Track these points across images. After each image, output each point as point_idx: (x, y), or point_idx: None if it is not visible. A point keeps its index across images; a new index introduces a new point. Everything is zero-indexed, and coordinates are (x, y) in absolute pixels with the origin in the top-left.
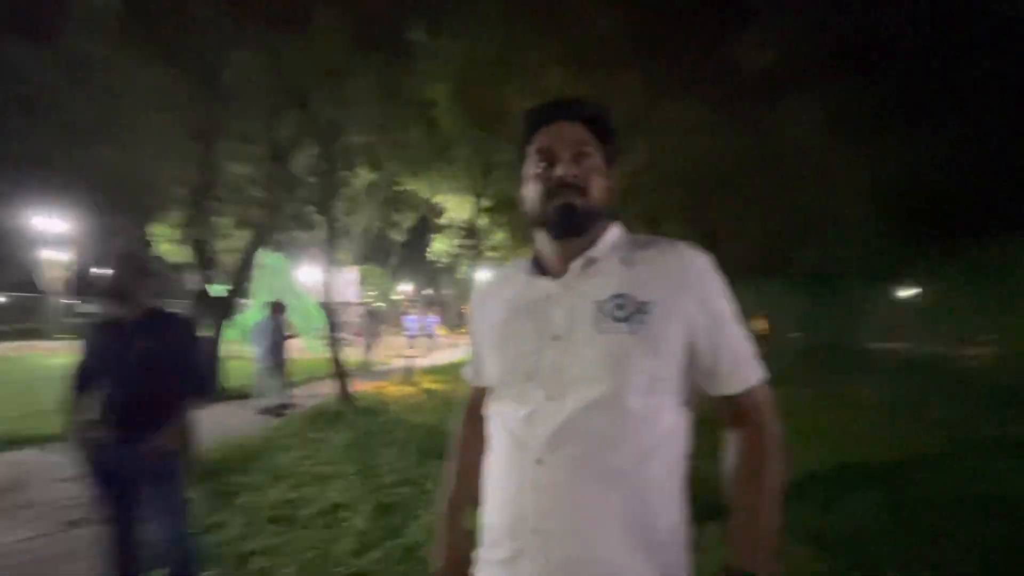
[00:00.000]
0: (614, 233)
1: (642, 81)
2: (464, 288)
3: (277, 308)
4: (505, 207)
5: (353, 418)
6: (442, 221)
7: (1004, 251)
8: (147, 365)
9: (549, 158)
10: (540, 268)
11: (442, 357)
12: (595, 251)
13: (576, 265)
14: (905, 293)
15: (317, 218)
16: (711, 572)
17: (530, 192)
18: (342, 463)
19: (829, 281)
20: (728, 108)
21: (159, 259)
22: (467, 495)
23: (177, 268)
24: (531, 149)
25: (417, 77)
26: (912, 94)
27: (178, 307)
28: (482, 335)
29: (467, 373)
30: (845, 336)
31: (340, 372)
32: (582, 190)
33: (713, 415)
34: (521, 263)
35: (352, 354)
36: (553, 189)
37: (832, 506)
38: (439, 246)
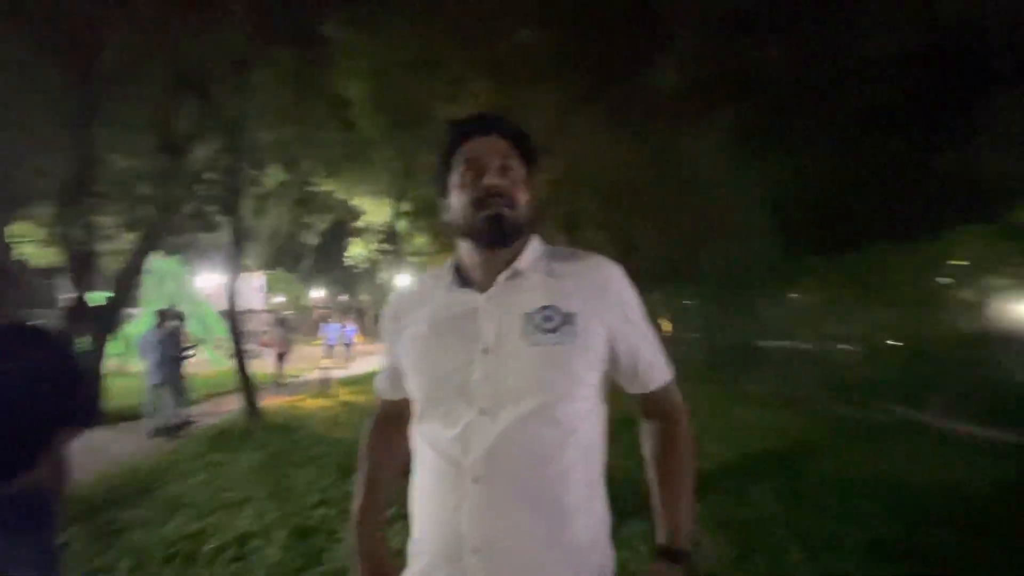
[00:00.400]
0: (535, 246)
1: (561, 94)
2: (383, 294)
3: (168, 316)
4: (426, 211)
5: (263, 436)
6: (360, 224)
7: (873, 259)
8: (5, 390)
9: (477, 168)
10: (462, 279)
11: (361, 367)
12: (521, 263)
13: (502, 277)
14: (794, 296)
15: (220, 219)
16: (635, 567)
17: (457, 201)
18: (251, 487)
19: (729, 286)
20: (640, 125)
21: (21, 263)
22: (379, 508)
23: (46, 273)
24: (457, 159)
25: (333, 74)
26: (793, 120)
27: (46, 319)
28: (401, 349)
29: (380, 385)
30: (743, 336)
31: (247, 386)
32: (510, 201)
33: (627, 415)
34: (439, 274)
35: (260, 366)
36: (481, 199)
37: (739, 495)
38: (357, 250)
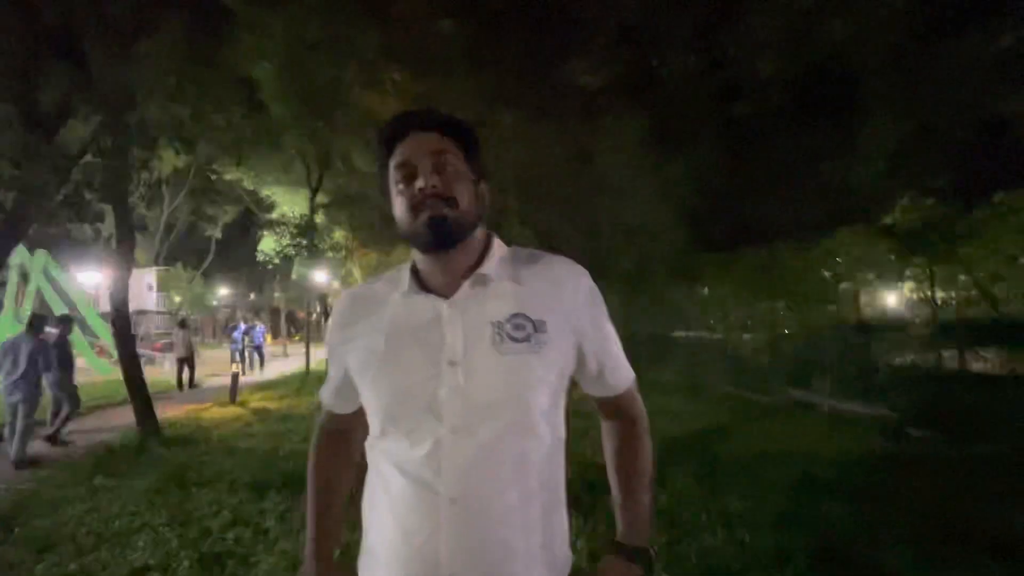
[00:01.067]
0: (497, 247)
1: (480, 88)
2: (297, 291)
3: (37, 322)
4: (344, 203)
5: (161, 453)
6: (272, 217)
7: (767, 255)
8: None
9: (409, 171)
10: (421, 284)
11: (272, 370)
12: (486, 268)
13: (467, 284)
14: (704, 290)
15: (102, 207)
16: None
17: (396, 209)
18: (148, 512)
19: (642, 280)
20: (559, 123)
21: None
22: (335, 536)
23: None
24: (392, 161)
25: (238, 51)
26: (695, 125)
27: None
28: (353, 360)
29: (326, 398)
30: (656, 328)
31: (140, 396)
32: (449, 199)
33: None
34: (394, 277)
35: (157, 373)
36: (418, 203)
37: (660, 481)
38: (268, 245)
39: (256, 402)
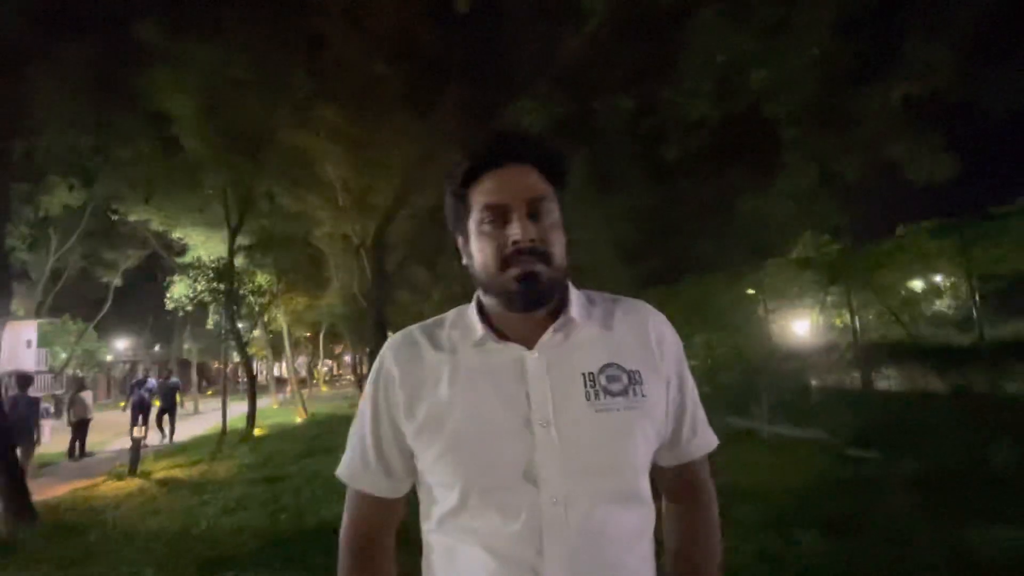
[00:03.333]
0: (575, 291)
1: (419, 129)
2: (210, 341)
3: None
4: (269, 244)
5: (37, 547)
6: (184, 260)
7: (697, 287)
8: None
9: (501, 215)
10: (495, 332)
11: (182, 431)
12: (572, 311)
13: (551, 329)
14: None
15: None
16: None
17: (480, 256)
18: None
19: None
20: None
21: None
22: None
23: None
24: (476, 197)
25: (153, 83)
26: (627, 166)
27: None
28: (417, 422)
29: (362, 477)
30: None
31: (9, 475)
32: (545, 255)
33: None
34: (457, 322)
35: (39, 445)
36: (509, 256)
37: None
38: (181, 290)
39: (162, 471)
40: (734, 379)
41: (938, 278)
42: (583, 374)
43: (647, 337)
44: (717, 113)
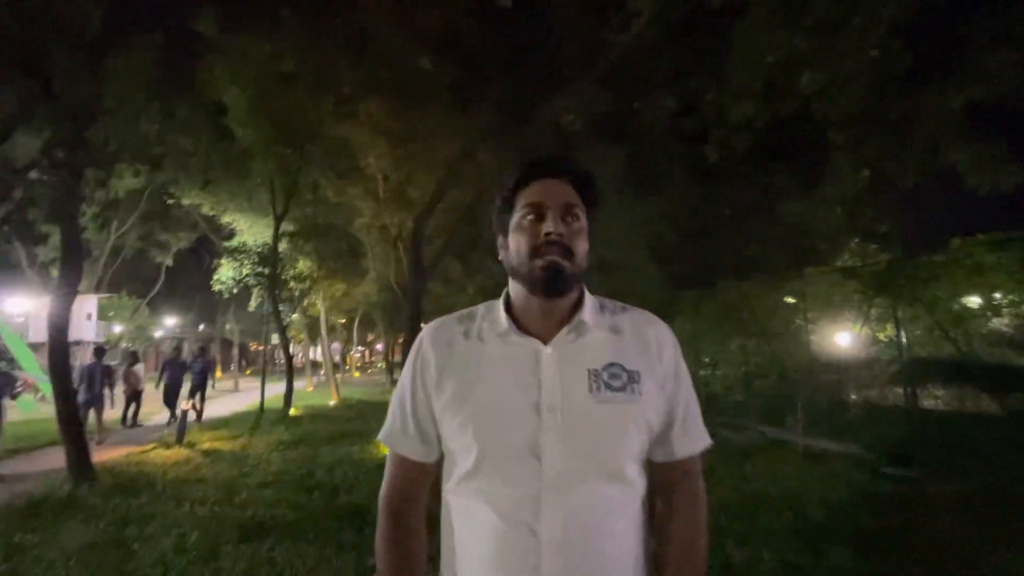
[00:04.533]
0: (589, 296)
1: (461, 124)
2: (252, 323)
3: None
4: (311, 232)
5: (96, 503)
6: (232, 244)
7: (735, 293)
8: None
9: (538, 212)
10: (519, 326)
11: (224, 407)
12: (585, 315)
13: (566, 329)
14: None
15: (45, 228)
16: None
17: (515, 245)
18: (80, 574)
19: None
20: None
21: None
22: None
23: None
24: (520, 200)
25: (208, 75)
26: (668, 166)
27: None
28: (445, 398)
29: (400, 443)
30: None
31: (74, 437)
32: (569, 251)
33: None
34: (485, 315)
35: (97, 411)
36: (539, 246)
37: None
38: (227, 273)
39: (206, 443)
40: (769, 388)
41: (997, 295)
42: (589, 370)
43: (648, 344)
44: (764, 114)
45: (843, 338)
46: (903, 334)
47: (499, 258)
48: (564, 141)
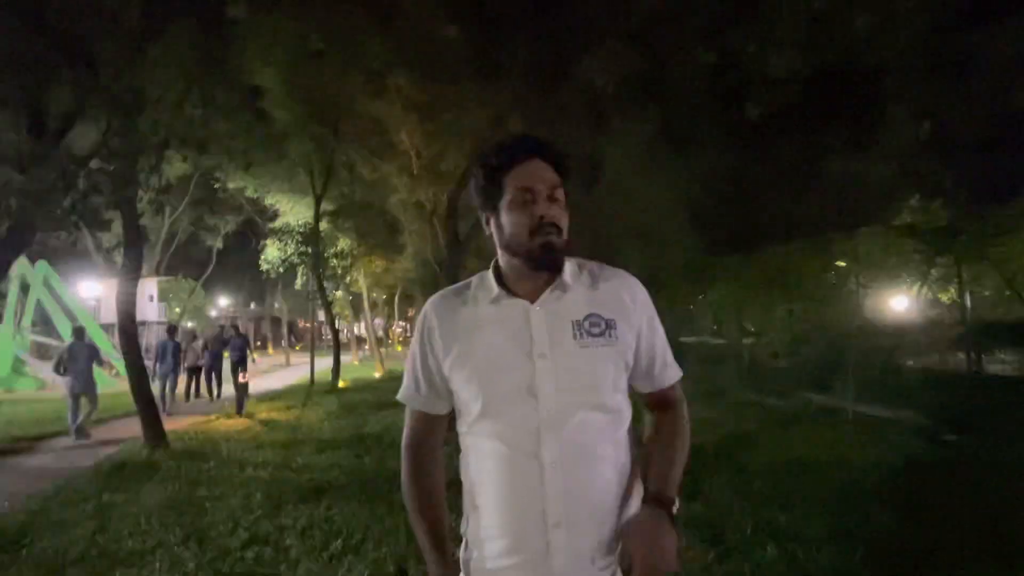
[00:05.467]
0: (569, 261)
1: (489, 94)
2: (299, 301)
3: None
4: (350, 210)
5: (170, 467)
6: (276, 225)
7: (779, 257)
8: None
9: (531, 196)
10: (508, 290)
11: (277, 380)
12: (566, 276)
13: (549, 289)
14: (708, 295)
15: (108, 215)
16: None
17: (512, 223)
18: (161, 531)
19: (651, 286)
20: (572, 127)
21: None
22: (445, 533)
23: None
24: (510, 181)
25: (243, 58)
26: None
27: None
28: (450, 359)
29: (415, 400)
30: (671, 334)
31: (147, 408)
32: (559, 230)
33: None
34: (478, 284)
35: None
36: (535, 228)
37: (693, 491)
38: (273, 253)
39: (263, 413)
40: (818, 354)
41: None
42: (572, 321)
43: (622, 297)
44: (808, 66)
45: (899, 301)
46: (968, 295)
47: (486, 233)
48: (595, 104)
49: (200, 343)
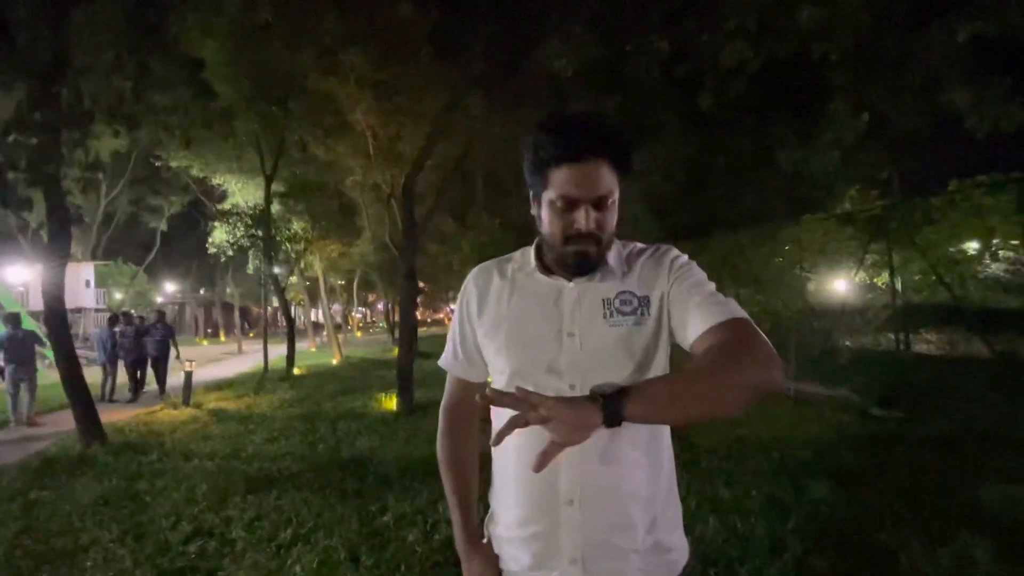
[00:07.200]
0: (616, 243)
1: (448, 76)
2: (251, 286)
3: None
4: (302, 191)
5: (107, 461)
6: (224, 207)
7: (730, 243)
8: None
9: (572, 204)
10: (545, 266)
11: (229, 368)
12: (609, 259)
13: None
14: None
15: (29, 195)
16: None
17: (548, 223)
18: (95, 528)
19: None
20: (527, 112)
21: None
22: (475, 506)
23: None
24: (555, 178)
25: (184, 29)
26: (661, 115)
27: None
28: (484, 328)
29: (454, 367)
30: None
31: (81, 400)
32: (598, 240)
33: None
34: (518, 259)
35: (98, 375)
36: (571, 235)
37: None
38: (220, 236)
39: (212, 403)
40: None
41: (995, 240)
42: (603, 299)
43: (658, 271)
44: (758, 57)
45: (838, 285)
46: (898, 280)
47: (532, 213)
48: (555, 89)
49: (125, 329)
